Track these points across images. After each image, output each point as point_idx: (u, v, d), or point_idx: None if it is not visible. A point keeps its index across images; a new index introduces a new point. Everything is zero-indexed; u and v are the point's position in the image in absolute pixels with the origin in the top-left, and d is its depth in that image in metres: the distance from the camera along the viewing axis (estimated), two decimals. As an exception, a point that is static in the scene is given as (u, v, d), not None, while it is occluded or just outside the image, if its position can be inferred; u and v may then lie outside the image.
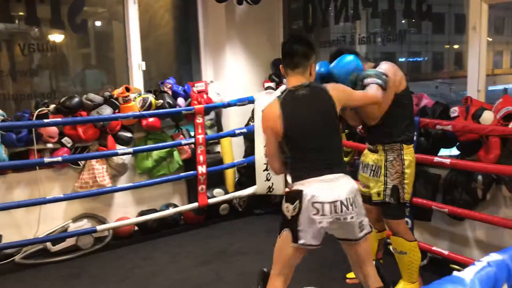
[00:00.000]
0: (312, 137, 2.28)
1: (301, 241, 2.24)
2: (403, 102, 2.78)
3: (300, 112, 2.28)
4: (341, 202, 2.19)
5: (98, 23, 4.92)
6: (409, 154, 2.80)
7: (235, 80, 4.86)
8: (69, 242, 3.91)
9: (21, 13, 4.18)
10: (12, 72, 4.20)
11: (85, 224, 4.02)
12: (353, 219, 2.24)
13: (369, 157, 2.93)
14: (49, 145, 3.89)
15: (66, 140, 3.92)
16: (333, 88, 2.34)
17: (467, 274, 0.94)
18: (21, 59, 4.22)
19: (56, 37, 4.40)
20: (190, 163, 4.45)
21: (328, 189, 2.20)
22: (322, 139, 2.29)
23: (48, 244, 3.86)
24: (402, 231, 2.90)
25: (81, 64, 4.86)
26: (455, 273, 0.95)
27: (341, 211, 2.20)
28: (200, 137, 4.23)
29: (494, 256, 1.02)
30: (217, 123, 4.88)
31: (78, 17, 4.33)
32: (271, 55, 4.96)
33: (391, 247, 3.02)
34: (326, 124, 2.29)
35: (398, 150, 2.78)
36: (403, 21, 4.25)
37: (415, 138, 3.10)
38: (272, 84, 4.76)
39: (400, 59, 5.34)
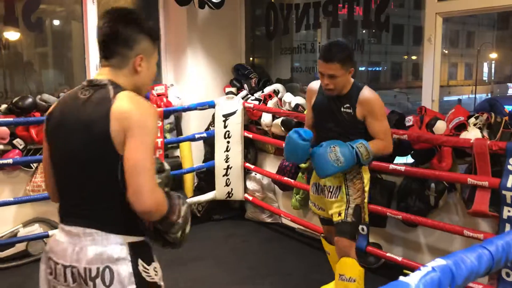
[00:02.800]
0: (64, 164, 1.56)
1: None
2: (367, 130, 2.68)
3: (64, 124, 1.55)
4: (78, 271, 1.47)
5: (56, 22, 4.78)
6: (366, 171, 2.74)
7: (196, 84, 4.82)
8: (19, 247, 3.76)
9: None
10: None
11: (36, 229, 3.87)
12: None
13: (326, 179, 2.71)
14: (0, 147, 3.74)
15: (18, 142, 3.77)
16: (128, 104, 1.47)
17: (412, 279, 0.96)
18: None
19: (11, 35, 4.24)
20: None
21: (68, 245, 1.50)
22: (75, 171, 1.52)
23: (-4, 249, 3.70)
24: (353, 255, 2.69)
25: (37, 63, 4.70)
26: (401, 278, 0.97)
27: (75, 282, 1.49)
28: (159, 141, 4.17)
29: (439, 261, 1.04)
30: (177, 127, 4.83)
31: (34, 15, 4.20)
32: (232, 60, 4.96)
33: (337, 275, 2.73)
34: (85, 151, 1.49)
35: (357, 169, 2.67)
36: (363, 31, 4.35)
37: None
38: (233, 89, 4.75)
39: (360, 68, 5.45)
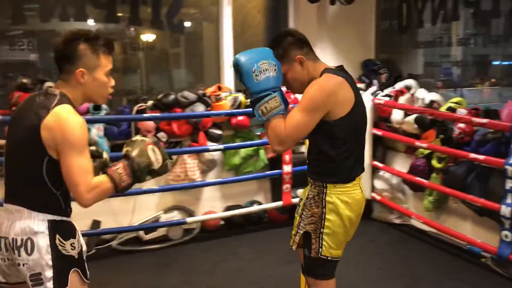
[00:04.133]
0: (10, 154, 1.86)
1: None
2: (334, 136, 2.04)
3: (17, 121, 1.85)
4: (8, 241, 1.78)
5: (188, 24, 5.09)
6: (335, 195, 2.07)
7: (324, 80, 4.81)
8: (160, 232, 4.11)
9: (121, 14, 4.40)
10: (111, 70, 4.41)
11: (175, 216, 4.19)
12: (21, 266, 1.76)
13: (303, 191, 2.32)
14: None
15: (161, 135, 4.10)
16: (56, 119, 1.72)
17: None
18: (118, 57, 4.41)
19: (150, 37, 4.61)
20: (275, 162, 4.49)
21: (4, 220, 1.81)
22: (13, 160, 1.84)
23: (141, 232, 4.07)
24: None
25: (172, 63, 5.04)
26: None
27: (7, 251, 1.79)
28: (288, 136, 4.25)
29: None
30: (304, 124, 4.87)
31: (176, 18, 4.52)
32: (361, 56, 4.88)
33: None
34: (20, 144, 1.80)
35: (320, 187, 2.11)
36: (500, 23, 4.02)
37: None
38: (362, 85, 4.67)
39: (493, 63, 5.05)
